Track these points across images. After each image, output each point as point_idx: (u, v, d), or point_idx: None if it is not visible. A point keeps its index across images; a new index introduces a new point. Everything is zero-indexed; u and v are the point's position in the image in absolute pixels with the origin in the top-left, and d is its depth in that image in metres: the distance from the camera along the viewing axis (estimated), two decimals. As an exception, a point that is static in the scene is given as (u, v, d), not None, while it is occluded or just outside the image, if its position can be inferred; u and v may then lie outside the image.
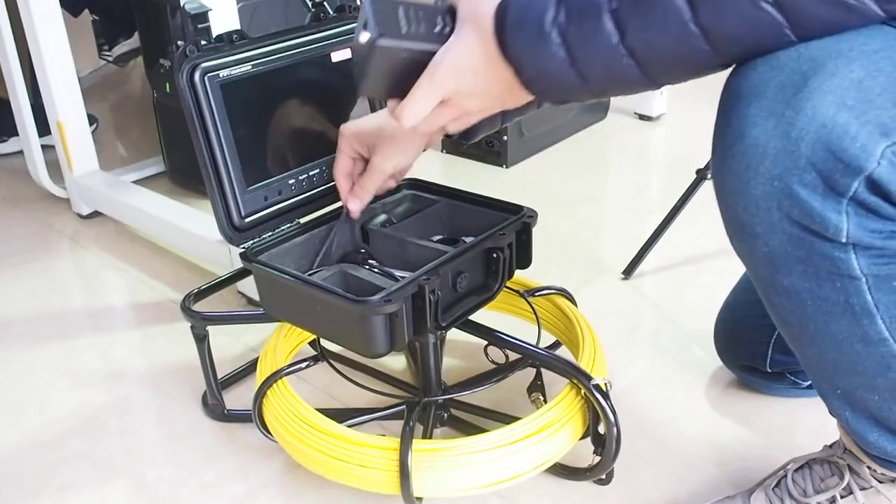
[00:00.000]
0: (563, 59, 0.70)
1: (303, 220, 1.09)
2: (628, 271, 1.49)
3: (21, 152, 1.99)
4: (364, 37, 0.74)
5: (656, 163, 2.07)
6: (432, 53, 0.77)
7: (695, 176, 1.46)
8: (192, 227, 1.52)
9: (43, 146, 1.90)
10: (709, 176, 1.44)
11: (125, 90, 2.90)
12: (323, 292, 0.93)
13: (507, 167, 2.03)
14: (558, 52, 0.70)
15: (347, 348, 1.01)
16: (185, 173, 1.95)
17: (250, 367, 1.27)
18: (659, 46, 0.67)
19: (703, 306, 1.31)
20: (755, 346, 1.11)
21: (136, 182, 1.95)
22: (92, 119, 2.38)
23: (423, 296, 0.93)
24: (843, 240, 0.66)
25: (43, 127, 1.84)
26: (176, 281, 1.57)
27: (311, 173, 1.09)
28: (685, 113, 2.33)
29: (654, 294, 1.46)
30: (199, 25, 0.99)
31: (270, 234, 1.06)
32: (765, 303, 0.78)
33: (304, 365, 1.08)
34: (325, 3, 1.12)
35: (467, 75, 0.77)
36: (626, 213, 1.78)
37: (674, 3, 0.65)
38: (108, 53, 2.62)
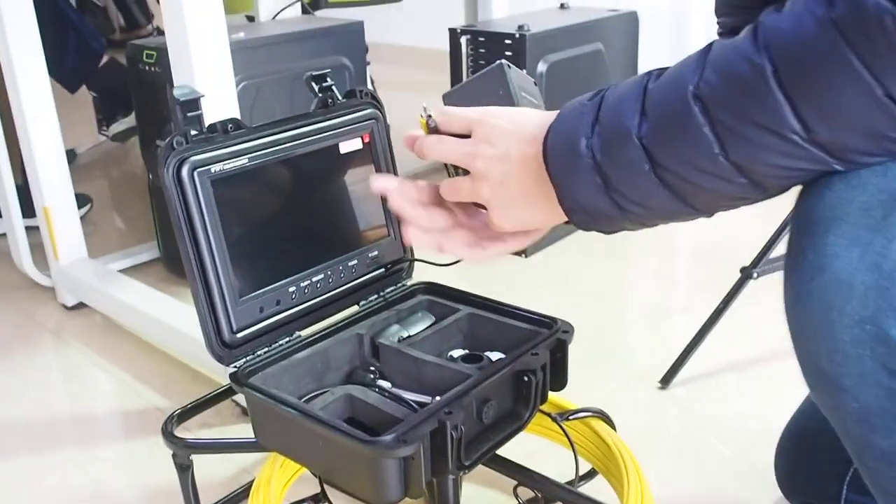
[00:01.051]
0: (598, 186, 0.64)
1: (304, 333, 0.95)
2: (666, 380, 1.35)
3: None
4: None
5: (689, 251, 1.94)
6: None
7: (739, 274, 1.33)
8: (183, 325, 1.39)
9: (31, 227, 1.78)
10: (755, 275, 1.32)
11: (124, 168, 2.80)
12: (325, 427, 0.79)
13: (526, 256, 1.89)
14: (592, 177, 0.64)
15: (352, 494, 0.86)
16: (181, 260, 1.81)
17: (242, 494, 1.12)
18: (691, 179, 0.60)
19: (755, 423, 1.18)
20: (826, 483, 0.96)
21: (129, 269, 1.83)
22: (86, 199, 2.27)
23: (444, 432, 0.79)
24: None
25: (31, 207, 1.72)
26: (164, 385, 1.43)
27: (314, 279, 0.96)
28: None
29: (697, 407, 1.31)
30: (189, 113, 0.87)
31: (266, 349, 0.92)
32: (857, 464, 0.65)
33: (302, 504, 0.93)
34: (333, 88, 1.00)
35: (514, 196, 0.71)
36: (658, 310, 1.64)
37: (702, 134, 0.57)
38: (106, 131, 2.52)
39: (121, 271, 1.76)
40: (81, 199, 2.25)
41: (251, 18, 2.06)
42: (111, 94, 2.38)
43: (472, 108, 0.75)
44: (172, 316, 1.43)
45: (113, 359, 1.53)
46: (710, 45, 0.59)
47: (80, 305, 1.73)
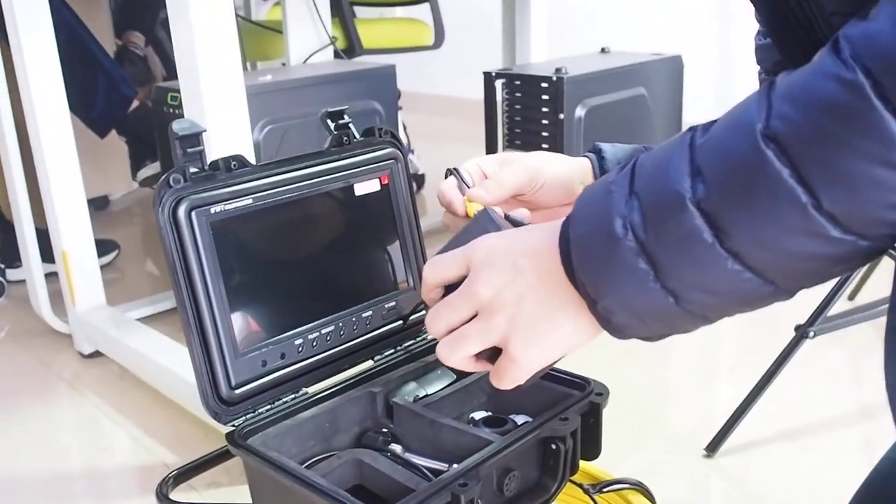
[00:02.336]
0: (643, 273, 0.52)
1: (311, 390, 0.87)
2: (712, 448, 1.26)
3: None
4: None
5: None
6: None
7: (793, 333, 1.23)
8: (194, 377, 1.31)
9: (52, 273, 1.74)
10: (811, 335, 1.22)
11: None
12: (326, 498, 0.71)
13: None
14: (635, 263, 0.52)
15: (356, 574, 0.77)
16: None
17: (244, 564, 1.03)
18: (770, 244, 0.48)
19: (809, 500, 1.05)
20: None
21: (149, 317, 1.78)
22: (113, 246, 2.24)
23: (458, 507, 0.69)
24: None
25: (52, 252, 1.68)
26: (175, 440, 1.36)
27: (323, 331, 0.88)
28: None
29: (745, 479, 1.21)
30: (189, 149, 0.80)
31: (269, 407, 0.84)
32: None
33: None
34: (350, 126, 0.93)
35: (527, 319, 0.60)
36: (701, 371, 1.55)
37: (782, 182, 0.46)
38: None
39: (140, 319, 1.71)
40: (108, 246, 2.22)
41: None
42: (141, 140, 2.35)
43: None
44: (185, 368, 1.36)
45: (126, 411, 1.47)
46: (771, 82, 0.49)
47: (97, 353, 1.68)
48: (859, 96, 0.43)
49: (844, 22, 0.46)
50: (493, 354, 0.64)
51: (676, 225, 0.50)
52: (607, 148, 0.83)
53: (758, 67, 0.81)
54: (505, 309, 0.60)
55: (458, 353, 0.64)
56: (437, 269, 0.66)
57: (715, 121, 0.51)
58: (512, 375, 0.63)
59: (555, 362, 0.65)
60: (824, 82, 0.44)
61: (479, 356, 0.64)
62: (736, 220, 0.48)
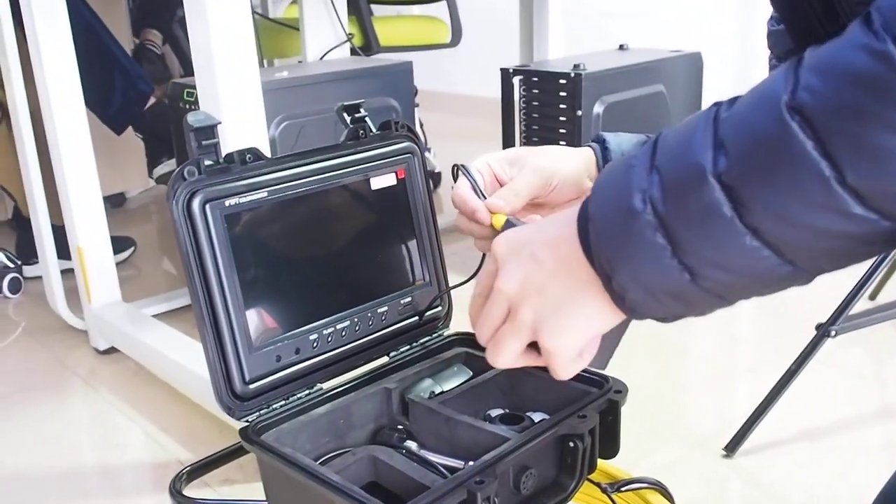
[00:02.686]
0: (661, 248, 0.51)
1: (326, 386, 0.86)
2: (732, 447, 1.24)
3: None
4: None
5: (754, 305, 1.80)
6: None
7: (814, 331, 1.21)
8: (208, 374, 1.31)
9: (69, 269, 1.74)
10: (833, 333, 1.20)
11: (173, 212, 2.77)
12: (341, 495, 0.70)
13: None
14: (653, 237, 0.51)
15: (370, 571, 0.76)
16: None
17: (259, 562, 1.02)
18: (792, 218, 0.46)
19: (830, 500, 1.04)
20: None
21: (165, 314, 1.77)
22: (129, 242, 2.24)
23: (473, 504, 0.68)
24: None
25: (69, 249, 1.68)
26: (189, 437, 1.35)
27: (339, 327, 0.87)
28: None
29: (765, 479, 1.19)
30: (204, 142, 0.79)
31: (283, 402, 0.83)
32: None
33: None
34: (367, 119, 0.92)
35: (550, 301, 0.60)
36: (722, 370, 1.53)
37: (806, 154, 0.44)
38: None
39: (155, 316, 1.71)
40: (125, 242, 2.22)
41: (302, 63, 2.02)
42: (158, 137, 2.35)
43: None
44: (200, 364, 1.35)
45: (141, 407, 1.47)
46: (800, 56, 0.47)
47: (113, 350, 1.67)
48: (889, 67, 0.41)
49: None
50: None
51: (696, 198, 0.49)
52: (610, 137, 0.83)
53: (769, 53, 0.80)
54: (529, 301, 0.60)
55: (501, 355, 0.65)
56: (475, 299, 0.67)
57: (741, 95, 0.50)
58: (558, 366, 0.63)
59: (617, 342, 0.67)
60: (854, 53, 0.43)
61: (530, 350, 0.65)
62: (756, 194, 0.47)
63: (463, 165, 0.80)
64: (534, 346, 0.65)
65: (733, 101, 0.50)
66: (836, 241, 0.47)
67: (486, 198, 0.78)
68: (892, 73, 0.41)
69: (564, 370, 0.64)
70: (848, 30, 0.44)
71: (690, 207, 0.49)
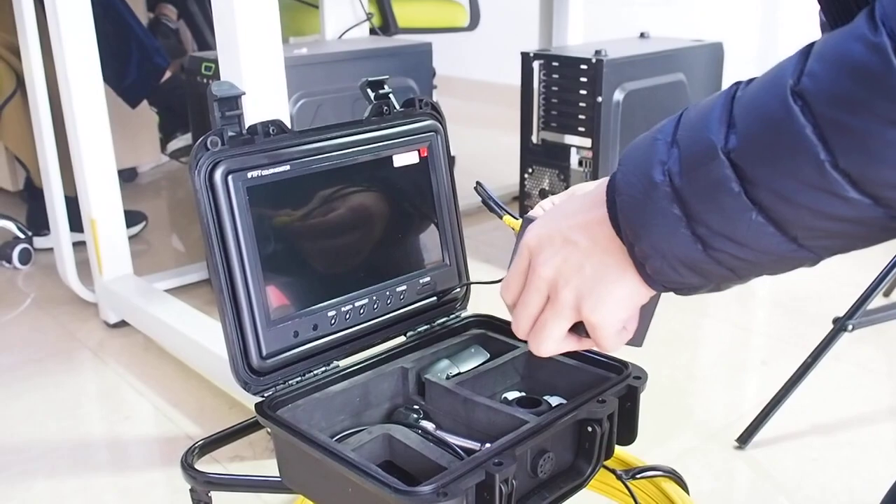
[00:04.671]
0: (676, 219, 0.54)
1: (343, 364, 0.85)
2: (744, 439, 1.23)
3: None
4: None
5: (769, 298, 1.80)
6: None
7: (826, 327, 1.20)
8: (221, 350, 1.30)
9: (81, 242, 1.73)
10: (850, 328, 1.19)
11: (185, 187, 2.76)
12: (357, 472, 0.69)
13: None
14: (670, 207, 0.53)
15: (384, 550, 0.75)
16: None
17: (268, 538, 1.02)
18: (790, 196, 0.48)
19: (843, 495, 1.03)
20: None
21: (176, 289, 1.77)
22: (141, 217, 2.23)
23: (491, 486, 0.68)
24: None
25: (82, 222, 1.67)
26: (198, 412, 1.34)
27: (357, 304, 0.86)
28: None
29: (778, 472, 1.18)
30: (228, 112, 0.78)
31: (300, 379, 0.83)
32: None
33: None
34: (391, 96, 0.91)
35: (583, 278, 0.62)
36: (735, 362, 1.51)
37: (804, 137, 0.46)
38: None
39: (167, 291, 1.70)
40: (136, 217, 2.21)
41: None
42: (172, 111, 2.34)
43: None
44: (211, 339, 1.35)
45: (150, 381, 1.46)
46: (813, 42, 0.49)
47: (123, 323, 1.66)
48: (882, 59, 0.42)
49: None
50: (584, 329, 0.65)
51: (707, 173, 0.51)
52: None
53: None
54: (569, 282, 0.62)
55: (544, 342, 0.66)
56: (508, 284, 0.68)
57: (758, 77, 0.52)
58: (604, 339, 0.64)
59: (649, 320, 0.67)
60: (852, 43, 0.44)
61: (571, 335, 0.66)
62: (760, 173, 0.49)
63: (479, 183, 0.82)
64: (574, 331, 0.66)
65: (751, 80, 0.52)
66: (834, 222, 0.48)
67: (505, 211, 0.80)
68: (884, 65, 0.42)
69: (611, 343, 0.65)
70: (856, 18, 0.45)
71: (702, 182, 0.52)
